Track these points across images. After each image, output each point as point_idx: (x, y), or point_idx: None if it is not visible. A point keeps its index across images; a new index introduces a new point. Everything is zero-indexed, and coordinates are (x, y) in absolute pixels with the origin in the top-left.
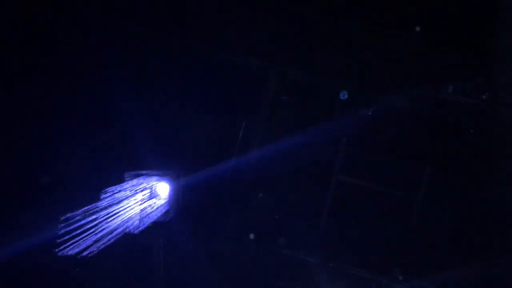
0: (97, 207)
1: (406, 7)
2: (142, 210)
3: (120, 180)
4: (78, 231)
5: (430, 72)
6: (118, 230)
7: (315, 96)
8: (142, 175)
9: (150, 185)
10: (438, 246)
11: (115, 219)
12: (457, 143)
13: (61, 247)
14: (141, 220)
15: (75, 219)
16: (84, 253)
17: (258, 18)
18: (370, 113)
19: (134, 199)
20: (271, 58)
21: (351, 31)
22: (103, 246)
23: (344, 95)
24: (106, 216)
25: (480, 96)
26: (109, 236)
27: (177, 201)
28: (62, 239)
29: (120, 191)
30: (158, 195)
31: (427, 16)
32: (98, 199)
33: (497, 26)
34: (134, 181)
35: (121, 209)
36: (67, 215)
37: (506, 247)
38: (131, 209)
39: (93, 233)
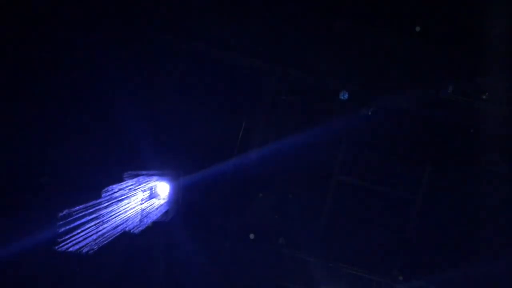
0: (97, 207)
1: (406, 7)
2: (142, 210)
3: (120, 180)
4: (78, 231)
5: (430, 72)
6: (118, 230)
7: (315, 96)
8: (142, 175)
9: (150, 185)
10: (438, 246)
11: (115, 219)
12: (457, 143)
13: (61, 247)
14: (141, 220)
15: (75, 219)
16: (84, 253)
17: (258, 19)
18: (370, 113)
19: (134, 199)
20: (271, 58)
21: (351, 31)
22: (103, 246)
23: (344, 95)
24: (106, 216)
25: (480, 96)
26: (109, 236)
27: (177, 201)
28: (62, 239)
29: (120, 190)
30: (158, 195)
31: (427, 16)
32: (98, 199)
33: (496, 27)
34: (134, 181)
35: (121, 208)
36: (67, 215)
37: (506, 247)
38: (131, 208)
39: (93, 233)
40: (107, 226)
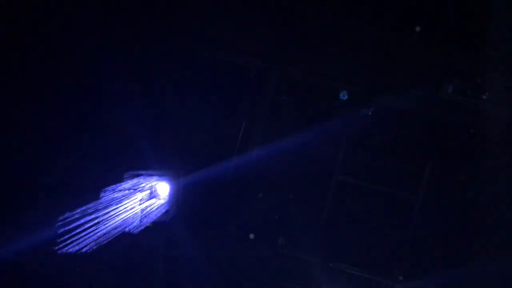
0: (97, 207)
1: (406, 7)
2: (142, 210)
3: (120, 180)
4: (78, 231)
5: (430, 72)
6: (118, 230)
7: (315, 96)
8: (142, 175)
9: (150, 185)
10: (438, 246)
11: (115, 219)
12: (457, 143)
13: (61, 247)
14: (141, 220)
15: (75, 219)
16: (84, 253)
17: (258, 19)
18: (370, 113)
19: (134, 199)
20: (271, 58)
21: (351, 31)
22: (103, 246)
23: (344, 95)
24: (106, 216)
25: (480, 96)
26: (109, 236)
27: (177, 201)
28: (62, 239)
29: (120, 191)
30: (158, 195)
31: (427, 16)
32: (98, 199)
33: (496, 26)
34: (134, 181)
35: (121, 208)
36: (67, 215)
37: (506, 247)
38: (131, 209)
39: (93, 233)
40: (107, 226)
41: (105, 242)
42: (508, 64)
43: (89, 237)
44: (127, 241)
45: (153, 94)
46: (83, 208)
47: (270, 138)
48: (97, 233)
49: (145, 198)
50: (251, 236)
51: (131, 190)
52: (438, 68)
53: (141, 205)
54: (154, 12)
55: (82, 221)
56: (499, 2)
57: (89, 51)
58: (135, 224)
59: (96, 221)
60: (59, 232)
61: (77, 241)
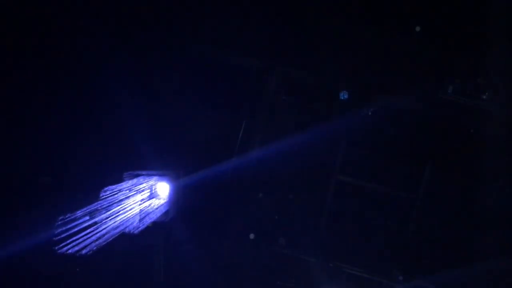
0: (97, 207)
1: (406, 7)
2: (142, 210)
3: (120, 180)
4: (78, 230)
5: (430, 72)
6: (118, 230)
7: (315, 96)
8: (142, 175)
9: (150, 185)
10: (438, 246)
11: (115, 219)
12: (457, 143)
13: (61, 247)
14: (141, 220)
15: (75, 219)
16: (84, 253)
17: (258, 18)
18: (370, 113)
19: (134, 199)
20: (271, 58)
21: (351, 31)
22: (103, 246)
23: (344, 95)
24: (106, 216)
25: (480, 96)
26: (109, 236)
27: (177, 201)
28: (62, 239)
29: (120, 191)
30: (158, 195)
31: (427, 16)
32: (98, 199)
33: (497, 26)
34: (134, 181)
35: (121, 209)
36: (67, 215)
37: (506, 247)
38: (131, 209)
39: (93, 233)
40: (107, 226)
41: (105, 242)
42: (508, 64)
43: (89, 237)
44: (127, 241)
45: (153, 94)
46: (83, 208)
47: (270, 138)
48: (97, 233)
49: (145, 198)
50: (251, 236)
51: (131, 190)
52: (438, 68)
53: (141, 205)
54: (154, 12)
55: (82, 221)
56: (499, 2)
57: (89, 51)
58: (135, 224)
59: (96, 221)
60: (59, 232)
61: (77, 241)
